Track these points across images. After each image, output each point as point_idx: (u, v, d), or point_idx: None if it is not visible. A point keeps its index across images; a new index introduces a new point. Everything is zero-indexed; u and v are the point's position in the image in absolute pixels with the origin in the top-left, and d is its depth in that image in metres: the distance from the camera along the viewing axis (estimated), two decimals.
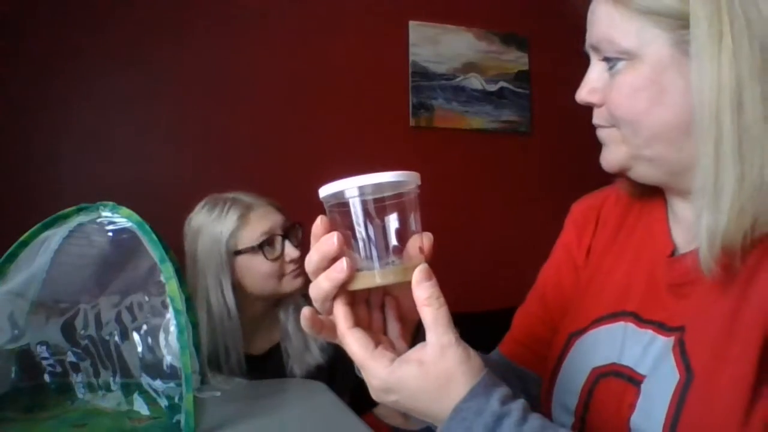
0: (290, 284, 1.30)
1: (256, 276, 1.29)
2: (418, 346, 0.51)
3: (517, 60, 2.74)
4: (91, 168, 2.11)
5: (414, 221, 0.53)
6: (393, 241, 0.52)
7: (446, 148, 2.60)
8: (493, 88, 2.70)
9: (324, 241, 0.51)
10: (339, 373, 1.29)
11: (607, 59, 0.60)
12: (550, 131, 2.73)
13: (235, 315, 1.29)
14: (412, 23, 2.57)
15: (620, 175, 0.68)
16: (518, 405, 0.49)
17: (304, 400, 1.12)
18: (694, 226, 0.56)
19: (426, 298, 0.50)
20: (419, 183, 0.53)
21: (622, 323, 0.65)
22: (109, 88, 2.14)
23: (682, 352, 0.57)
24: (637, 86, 0.58)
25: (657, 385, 0.57)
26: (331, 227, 0.52)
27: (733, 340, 0.53)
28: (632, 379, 0.60)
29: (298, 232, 1.34)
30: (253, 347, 1.36)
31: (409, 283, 0.51)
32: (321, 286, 0.51)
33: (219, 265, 1.28)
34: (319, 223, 0.52)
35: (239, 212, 1.31)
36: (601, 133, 0.64)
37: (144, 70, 2.18)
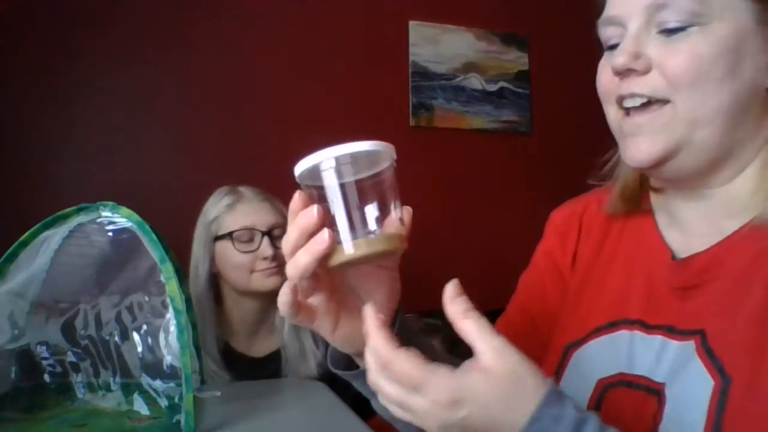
0: (261, 282, 1.29)
1: (228, 265, 1.31)
2: (468, 361, 0.47)
3: (517, 60, 2.74)
4: (91, 168, 2.11)
5: (392, 194, 0.51)
6: (372, 214, 0.50)
7: (446, 148, 2.60)
8: (493, 88, 2.70)
9: (303, 215, 0.48)
10: (337, 384, 1.29)
11: (667, 30, 0.55)
12: (550, 131, 2.73)
13: (206, 299, 1.31)
14: (412, 23, 2.57)
15: (604, 180, 0.67)
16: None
17: (304, 400, 1.12)
18: (744, 215, 0.55)
19: (463, 312, 0.48)
20: (395, 156, 0.51)
21: (625, 332, 0.62)
22: (109, 88, 2.13)
23: (710, 355, 0.54)
24: (715, 52, 0.53)
25: (686, 392, 0.54)
26: (310, 202, 0.49)
27: None
28: (649, 389, 0.58)
29: (277, 236, 1.33)
30: (252, 350, 1.36)
31: (390, 255, 0.51)
32: (299, 261, 0.48)
33: (202, 246, 1.33)
34: (297, 198, 0.50)
35: (230, 200, 1.35)
36: (639, 118, 0.57)
37: (144, 70, 2.18)
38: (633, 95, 0.57)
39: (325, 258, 0.48)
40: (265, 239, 1.29)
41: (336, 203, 0.48)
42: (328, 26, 2.44)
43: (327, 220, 0.48)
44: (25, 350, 0.90)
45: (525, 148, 2.73)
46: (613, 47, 0.59)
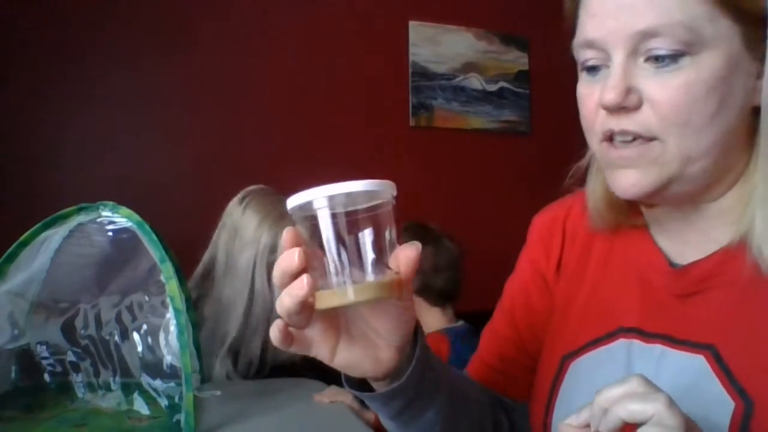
0: None
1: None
2: None
3: (517, 60, 2.74)
4: (91, 168, 2.11)
5: (389, 234, 0.48)
6: (367, 256, 0.47)
7: (446, 148, 2.60)
8: (493, 88, 2.70)
9: (285, 256, 0.46)
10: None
11: (655, 58, 0.51)
12: (550, 131, 2.73)
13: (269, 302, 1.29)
14: (412, 23, 2.57)
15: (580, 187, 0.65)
16: None
17: (304, 400, 1.12)
18: (733, 229, 0.54)
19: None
20: (395, 193, 0.48)
21: (623, 341, 0.60)
22: (109, 88, 2.14)
23: (728, 375, 0.52)
24: (710, 84, 0.51)
25: (703, 413, 0.51)
26: (300, 240, 0.47)
27: None
28: None
29: None
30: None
31: (386, 301, 0.48)
32: (284, 302, 0.47)
33: (256, 276, 1.30)
34: (286, 235, 0.47)
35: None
36: (628, 152, 0.54)
37: (144, 70, 2.18)
38: (624, 132, 0.54)
39: (310, 300, 0.47)
40: None
41: (328, 245, 0.46)
42: (328, 26, 2.44)
43: (319, 260, 0.47)
44: (25, 350, 0.90)
45: (525, 148, 2.73)
46: (592, 69, 0.56)
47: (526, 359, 0.72)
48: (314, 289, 0.46)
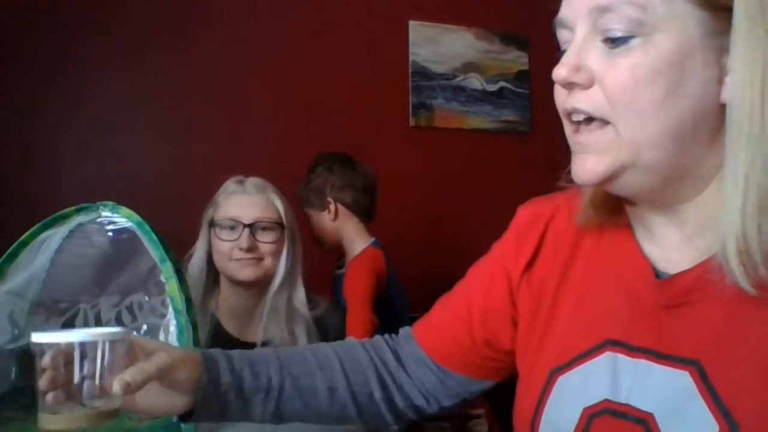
0: (237, 270, 1.33)
1: (214, 250, 1.37)
2: None
3: (517, 60, 2.75)
4: (91, 168, 2.11)
5: (110, 368, 0.57)
6: (90, 385, 0.56)
7: (446, 148, 2.60)
8: (493, 88, 2.70)
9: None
10: None
11: (610, 39, 0.51)
12: (550, 131, 2.71)
13: (200, 277, 1.36)
14: (412, 23, 2.57)
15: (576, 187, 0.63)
16: None
17: None
18: (713, 235, 0.51)
19: None
20: (125, 338, 0.59)
21: (609, 354, 0.59)
22: (109, 88, 2.14)
23: (713, 395, 0.50)
24: (656, 68, 0.49)
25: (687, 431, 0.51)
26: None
27: None
28: (636, 419, 0.54)
29: (262, 229, 1.36)
30: (243, 335, 1.39)
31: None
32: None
33: (204, 227, 1.39)
34: (46, 359, 0.56)
35: (232, 189, 1.40)
36: (584, 137, 0.54)
37: (144, 70, 2.18)
38: (576, 111, 0.54)
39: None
40: (246, 231, 1.33)
41: (54, 376, 0.56)
42: (328, 26, 2.44)
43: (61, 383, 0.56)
44: (25, 350, 0.90)
45: (525, 148, 2.73)
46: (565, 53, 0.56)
47: (466, 336, 0.73)
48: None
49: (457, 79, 2.64)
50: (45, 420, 0.55)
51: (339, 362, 0.73)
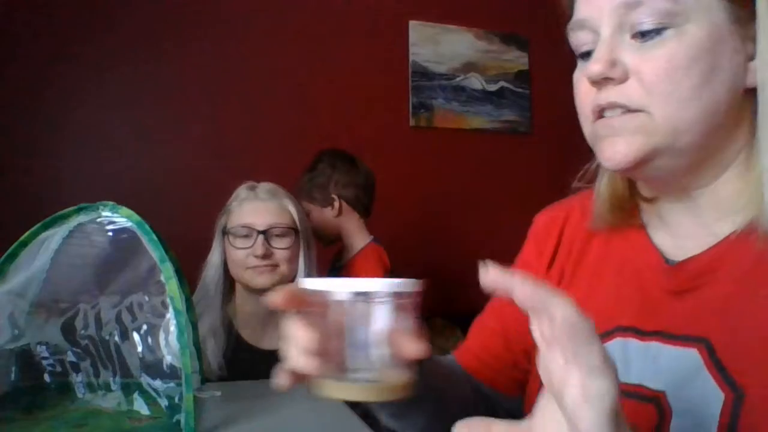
0: (252, 278, 1.32)
1: (230, 260, 1.36)
2: None
3: (517, 60, 2.75)
4: (91, 168, 2.11)
5: (407, 333, 0.47)
6: (377, 351, 0.46)
7: (446, 148, 2.60)
8: (493, 88, 2.70)
9: (302, 332, 0.47)
10: None
11: (641, 33, 0.52)
12: (550, 131, 2.73)
13: (216, 287, 1.35)
14: (412, 23, 2.57)
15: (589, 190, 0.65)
16: None
17: (304, 400, 1.12)
18: (728, 217, 0.54)
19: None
20: (420, 290, 0.47)
21: (619, 339, 0.60)
22: (109, 88, 2.14)
23: (719, 368, 0.52)
24: (691, 55, 0.51)
25: (695, 406, 0.52)
26: (310, 319, 0.47)
27: None
28: (646, 397, 0.56)
29: (276, 236, 1.35)
30: (261, 342, 1.38)
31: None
32: (290, 360, 0.48)
33: (218, 235, 1.38)
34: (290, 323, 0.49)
35: (244, 196, 1.39)
36: (614, 121, 0.55)
37: (144, 70, 2.18)
38: (612, 105, 0.55)
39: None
40: (260, 238, 1.31)
41: (336, 335, 0.46)
42: (328, 26, 2.44)
43: (330, 344, 0.46)
44: (25, 350, 0.90)
45: (525, 148, 2.73)
46: (586, 55, 0.57)
47: (509, 354, 0.73)
48: (291, 381, 0.48)
49: (457, 79, 2.64)
50: (328, 386, 0.46)
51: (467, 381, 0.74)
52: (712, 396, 0.51)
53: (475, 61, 2.67)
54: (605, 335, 0.62)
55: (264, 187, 1.41)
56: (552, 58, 2.69)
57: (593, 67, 0.54)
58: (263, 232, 1.32)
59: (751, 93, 0.54)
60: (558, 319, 0.38)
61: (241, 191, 1.41)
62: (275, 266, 1.32)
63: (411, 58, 2.57)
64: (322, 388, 0.46)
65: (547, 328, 0.40)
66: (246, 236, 1.32)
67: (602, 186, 0.66)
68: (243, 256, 1.32)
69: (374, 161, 2.44)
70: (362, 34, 2.49)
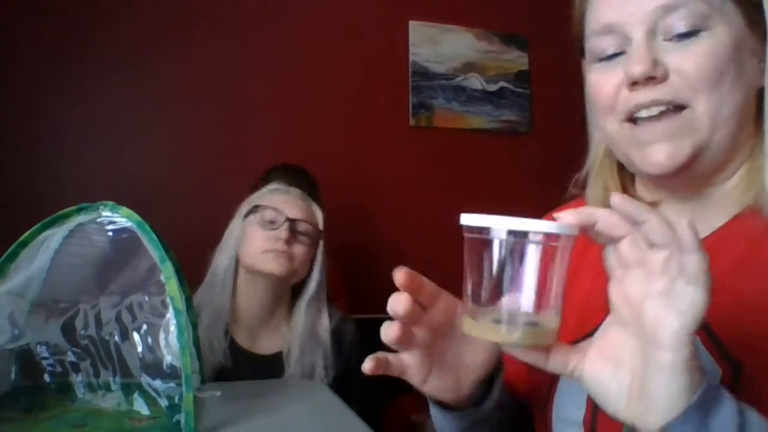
0: (267, 262, 1.29)
1: (248, 242, 1.33)
2: None
3: (517, 60, 2.74)
4: (91, 168, 2.11)
5: (559, 277, 0.46)
6: (534, 295, 0.44)
7: (446, 148, 2.60)
8: (493, 87, 2.70)
9: (395, 301, 0.49)
10: (344, 394, 1.27)
11: (676, 35, 0.54)
12: (550, 131, 2.73)
13: (224, 282, 1.33)
14: (412, 23, 2.57)
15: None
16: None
17: (304, 400, 1.12)
18: (743, 200, 0.56)
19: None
20: (576, 233, 0.45)
21: None
22: (109, 88, 2.14)
23: (716, 343, 0.53)
24: (727, 52, 0.54)
25: None
26: (466, 256, 0.48)
27: None
28: None
29: (301, 232, 1.34)
30: (256, 346, 1.36)
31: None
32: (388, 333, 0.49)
33: (239, 218, 1.36)
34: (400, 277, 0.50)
35: (276, 187, 1.40)
36: (659, 127, 0.55)
37: (145, 70, 2.18)
38: (655, 102, 0.55)
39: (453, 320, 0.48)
40: (287, 224, 1.30)
41: (490, 275, 0.45)
42: (328, 26, 2.44)
43: (479, 280, 0.46)
44: (25, 350, 0.90)
45: (525, 148, 2.73)
46: (611, 57, 0.58)
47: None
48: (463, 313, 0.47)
49: (457, 79, 2.64)
50: (468, 325, 0.46)
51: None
52: (710, 371, 0.52)
53: (475, 61, 2.67)
54: None
55: (296, 189, 1.41)
56: (552, 58, 2.70)
57: (635, 67, 0.54)
58: (291, 221, 1.31)
59: (757, 93, 0.57)
60: (656, 225, 0.39)
61: (274, 184, 1.41)
62: (291, 258, 1.30)
63: (411, 58, 2.57)
64: (470, 329, 0.46)
65: (627, 249, 0.42)
66: (272, 221, 1.31)
67: (598, 189, 0.67)
68: (263, 238, 1.29)
69: (374, 161, 2.44)
70: (362, 34, 2.49)
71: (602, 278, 0.65)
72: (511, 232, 0.44)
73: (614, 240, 0.44)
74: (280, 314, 1.38)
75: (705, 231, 0.59)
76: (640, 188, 0.66)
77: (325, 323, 1.36)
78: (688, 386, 0.40)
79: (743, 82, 0.55)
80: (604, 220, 0.42)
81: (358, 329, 1.45)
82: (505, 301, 0.45)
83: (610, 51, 0.58)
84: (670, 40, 0.55)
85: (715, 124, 0.55)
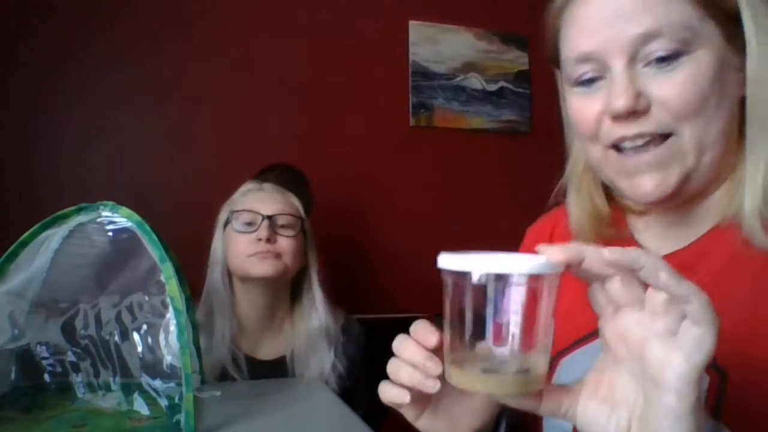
0: (255, 266, 1.27)
1: (230, 248, 1.31)
2: None
3: (517, 60, 2.74)
4: (91, 168, 2.11)
5: (547, 314, 0.43)
6: (516, 340, 0.42)
7: (446, 147, 2.60)
8: (493, 87, 2.70)
9: (423, 331, 0.49)
10: (350, 402, 1.25)
11: (656, 60, 0.53)
12: (550, 131, 2.72)
13: (221, 287, 1.31)
14: (412, 23, 2.57)
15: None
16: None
17: (304, 400, 1.12)
18: (725, 212, 0.56)
19: None
20: (562, 270, 0.42)
21: None
22: (109, 88, 2.14)
23: None
24: (708, 78, 0.53)
25: None
26: (446, 299, 0.45)
27: (759, 331, 0.51)
28: None
29: (281, 225, 1.32)
30: (258, 352, 1.35)
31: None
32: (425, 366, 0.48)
33: (219, 231, 1.36)
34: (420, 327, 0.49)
35: (248, 188, 1.38)
36: (647, 157, 0.55)
37: (145, 70, 2.18)
38: (640, 135, 0.55)
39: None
40: (265, 222, 1.28)
41: (487, 320, 0.42)
42: (328, 26, 2.44)
43: (459, 324, 0.44)
44: (25, 350, 0.90)
45: (525, 148, 2.72)
46: (591, 81, 0.57)
47: None
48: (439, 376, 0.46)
49: (457, 79, 2.64)
50: (456, 375, 0.44)
51: None
52: None
53: (475, 61, 2.67)
54: (592, 335, 0.62)
55: (269, 184, 1.40)
56: None
57: (618, 102, 0.54)
58: (269, 218, 1.29)
59: (740, 101, 0.57)
60: (654, 269, 0.37)
61: (246, 184, 1.39)
62: (279, 255, 1.28)
63: (411, 58, 2.57)
64: (454, 379, 0.44)
65: (619, 289, 0.39)
66: (250, 223, 1.29)
67: (581, 201, 0.68)
68: (246, 242, 1.28)
69: (374, 161, 2.44)
70: (362, 34, 2.49)
71: (582, 290, 0.65)
72: (493, 275, 0.41)
73: (601, 279, 0.41)
74: (282, 313, 1.38)
75: (688, 239, 0.60)
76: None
77: (329, 319, 1.35)
78: (694, 430, 0.38)
79: (726, 99, 0.55)
80: (592, 259, 0.39)
81: (363, 330, 1.45)
82: (492, 347, 0.43)
83: (587, 76, 0.57)
84: (649, 64, 0.54)
85: (703, 148, 0.55)
